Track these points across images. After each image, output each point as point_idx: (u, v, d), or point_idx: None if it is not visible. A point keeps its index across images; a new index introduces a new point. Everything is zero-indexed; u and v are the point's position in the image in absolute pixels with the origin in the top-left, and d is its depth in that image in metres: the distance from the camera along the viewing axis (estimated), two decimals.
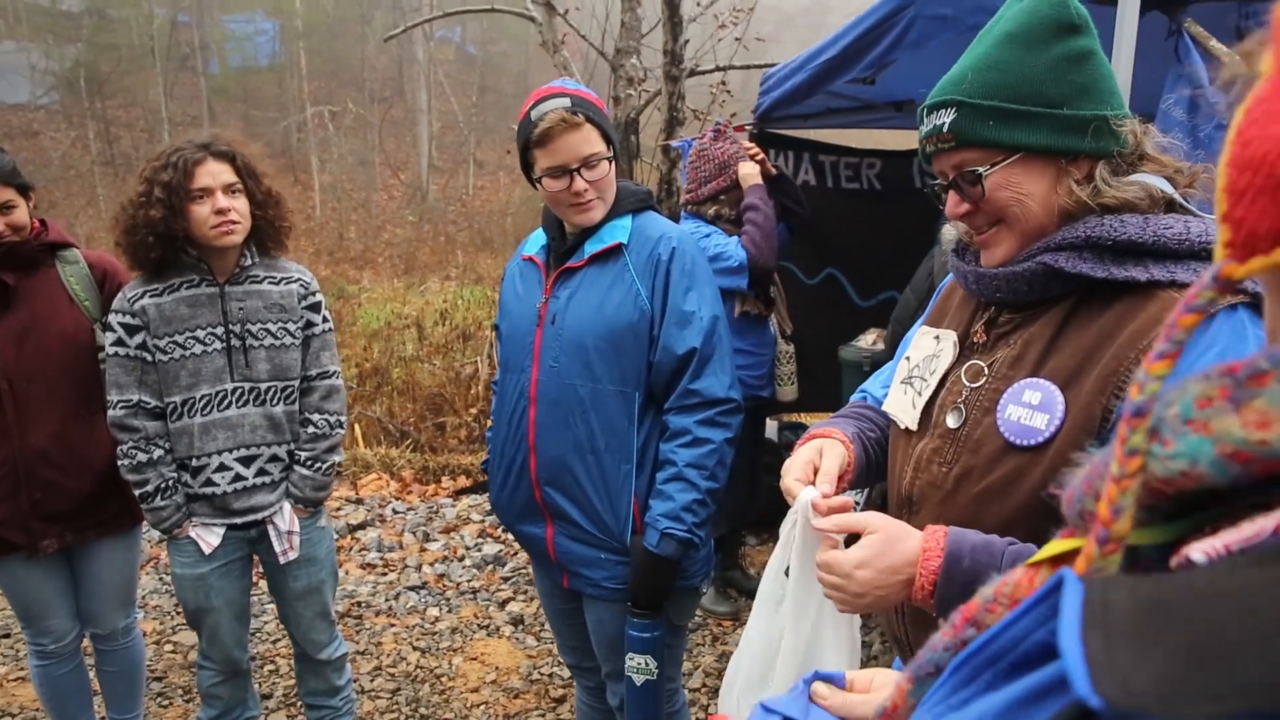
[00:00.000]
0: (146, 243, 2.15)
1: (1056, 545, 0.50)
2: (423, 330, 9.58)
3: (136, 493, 2.28)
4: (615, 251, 1.93)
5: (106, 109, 22.56)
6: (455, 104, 24.68)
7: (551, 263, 2.03)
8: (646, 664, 1.87)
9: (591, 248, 1.94)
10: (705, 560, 2.03)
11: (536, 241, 2.09)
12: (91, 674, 2.82)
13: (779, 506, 1.29)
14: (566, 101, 1.85)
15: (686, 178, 3.56)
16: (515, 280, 2.11)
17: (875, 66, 3.06)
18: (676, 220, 4.95)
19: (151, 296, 2.25)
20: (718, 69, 5.42)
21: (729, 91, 5.62)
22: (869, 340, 3.91)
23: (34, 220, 2.41)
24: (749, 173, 3.41)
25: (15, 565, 2.47)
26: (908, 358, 1.34)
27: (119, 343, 2.25)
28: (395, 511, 5.15)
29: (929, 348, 1.30)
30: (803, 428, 4.82)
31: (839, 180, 4.60)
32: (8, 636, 3.73)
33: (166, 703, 3.29)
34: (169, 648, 3.67)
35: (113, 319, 2.27)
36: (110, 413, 2.27)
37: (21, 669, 3.42)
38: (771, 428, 4.54)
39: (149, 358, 2.26)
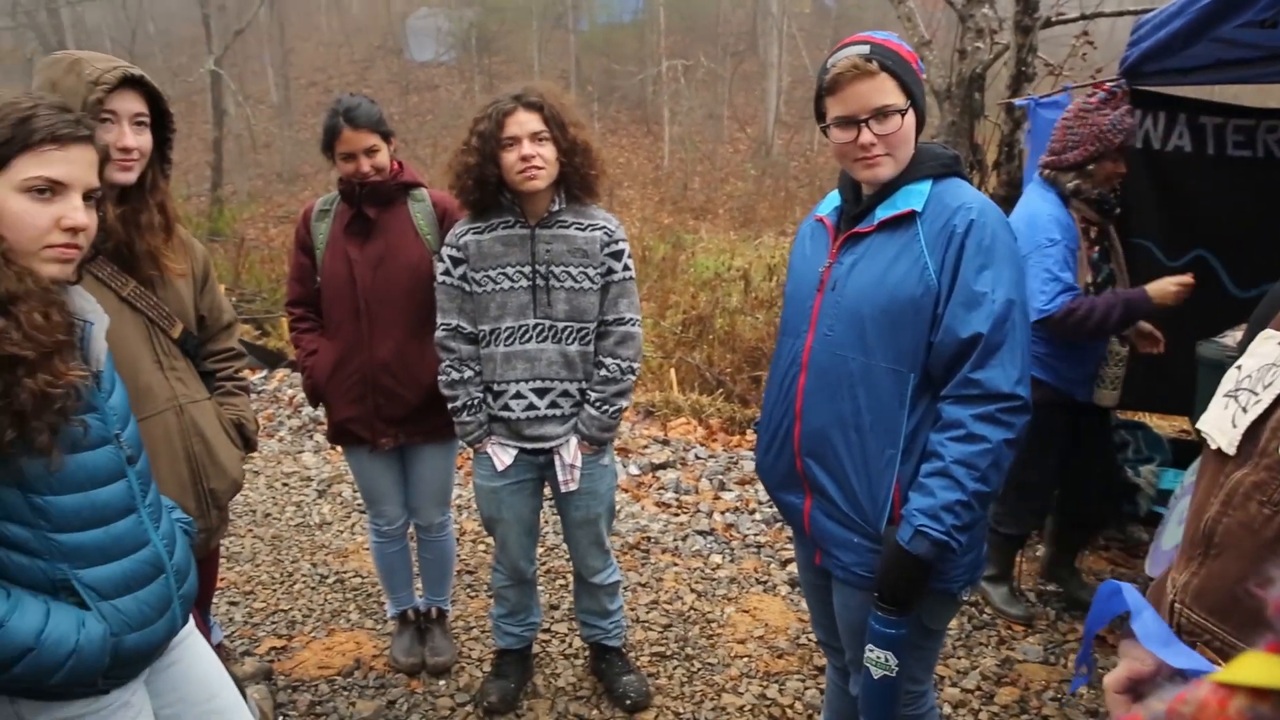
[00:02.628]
0: (467, 185, 2.39)
1: (1258, 666, 0.37)
2: (750, 283, 9.68)
3: (449, 406, 2.57)
4: (908, 219, 1.76)
5: (491, 64, 25.28)
6: (806, 58, 24.36)
7: (841, 226, 1.91)
8: (885, 659, 1.74)
9: (883, 213, 1.79)
10: (971, 566, 1.82)
11: (830, 202, 1.99)
12: (414, 557, 3.26)
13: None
14: (864, 48, 1.72)
15: (1053, 138, 3.16)
16: (805, 241, 2.03)
17: None
18: (1018, 188, 4.49)
19: (474, 234, 2.50)
20: (1082, 17, 4.75)
21: (1091, 43, 4.91)
22: (1238, 337, 3.26)
23: (393, 162, 2.76)
24: (1161, 291, 2.98)
25: (362, 455, 2.91)
26: (1239, 365, 1.10)
27: (446, 273, 2.53)
28: (697, 457, 5.32)
29: (1270, 354, 1.05)
30: (1141, 427, 4.21)
31: (1223, 146, 3.85)
32: (365, 514, 4.43)
33: (474, 594, 3.73)
34: (482, 547, 4.15)
35: (443, 251, 2.55)
36: (435, 334, 2.58)
37: None
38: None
39: (467, 288, 2.51)
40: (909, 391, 1.74)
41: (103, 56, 1.89)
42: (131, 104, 1.89)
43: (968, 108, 4.89)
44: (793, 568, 3.87)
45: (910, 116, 1.75)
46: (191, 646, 1.73)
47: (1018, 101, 4.28)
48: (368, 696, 3.04)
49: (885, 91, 1.71)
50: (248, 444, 2.35)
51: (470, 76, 25.27)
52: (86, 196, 1.40)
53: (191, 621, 1.75)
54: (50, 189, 1.34)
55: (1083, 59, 4.85)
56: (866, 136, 1.73)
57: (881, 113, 1.72)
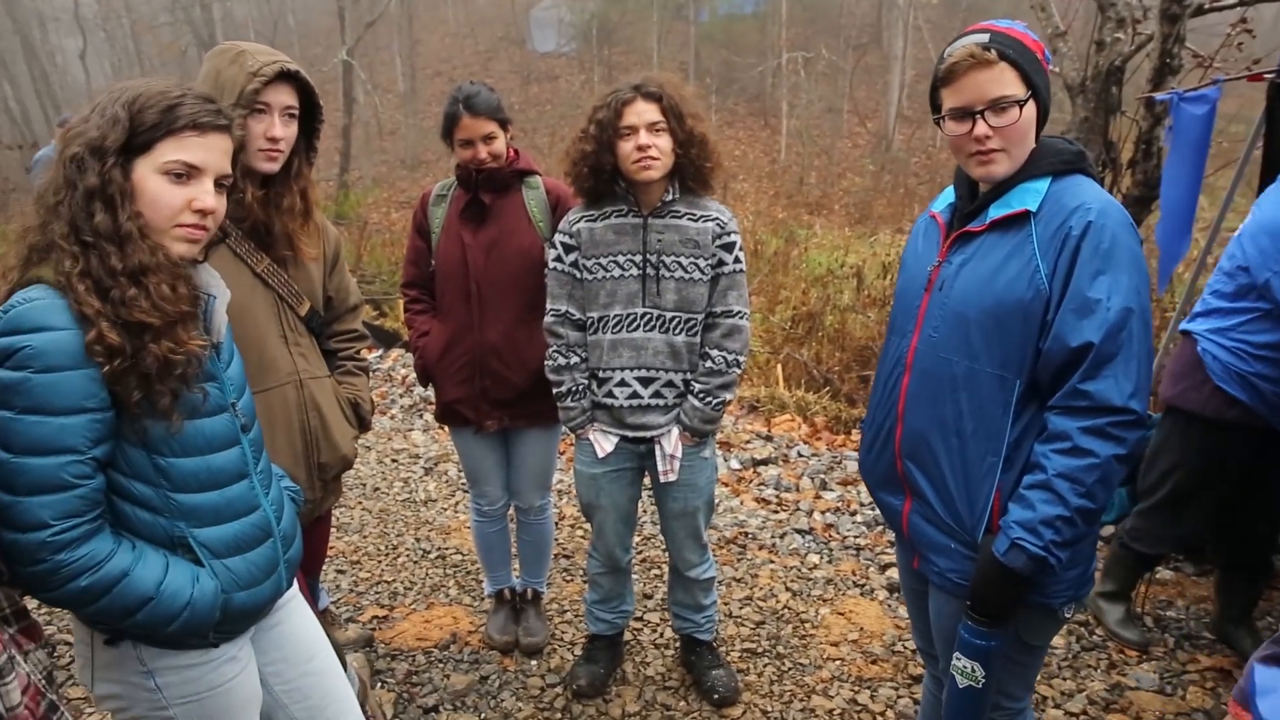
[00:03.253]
0: (582, 173, 2.41)
1: None
2: (862, 281, 9.47)
3: (554, 391, 2.61)
4: (1021, 219, 1.67)
5: (611, 55, 25.47)
6: (932, 50, 23.60)
7: (954, 223, 1.84)
8: (972, 670, 1.68)
9: (996, 211, 1.71)
10: (1076, 583, 1.71)
11: (946, 198, 1.92)
12: (513, 539, 3.33)
13: None
14: (984, 37, 1.65)
15: None
16: (918, 238, 1.97)
17: None
18: (1154, 188, 4.22)
19: (587, 221, 2.52)
20: (1241, 3, 4.41)
21: (1250, 31, 4.54)
22: None
23: (510, 149, 2.81)
24: None
25: (467, 436, 2.98)
26: None
27: (557, 259, 2.57)
28: (800, 454, 5.24)
29: None
30: None
31: None
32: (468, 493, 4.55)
33: (569, 578, 3.78)
34: (580, 534, 4.20)
35: (556, 238, 2.59)
36: (544, 319, 2.62)
37: None
38: None
39: (578, 275, 2.54)
40: (1014, 398, 1.66)
41: (265, 50, 1.99)
42: (284, 97, 1.98)
43: (1103, 102, 4.63)
44: (892, 573, 3.77)
45: (1030, 109, 1.66)
46: (295, 610, 1.81)
47: (1159, 96, 4.02)
48: (462, 670, 3.13)
49: (1003, 82, 1.63)
50: (362, 423, 2.44)
51: (590, 67, 25.57)
52: (218, 182, 1.48)
53: (296, 586, 1.84)
54: (186, 173, 1.43)
55: (1238, 49, 4.51)
56: (981, 129, 1.65)
57: (998, 104, 1.64)
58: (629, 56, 25.92)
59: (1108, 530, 3.91)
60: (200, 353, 1.44)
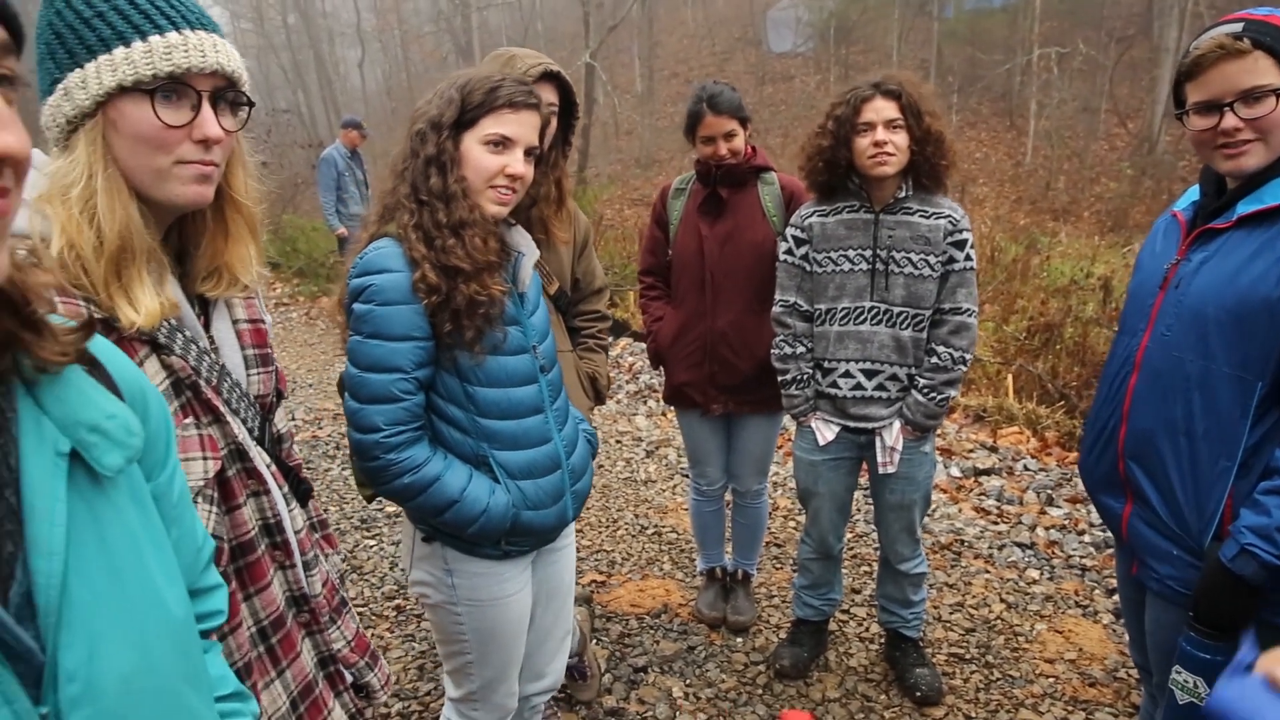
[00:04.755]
0: (817, 167, 2.51)
1: None
2: (1110, 293, 8.81)
3: (779, 379, 2.73)
4: (1273, 214, 1.58)
5: (848, 54, 24.99)
6: None
7: (1197, 220, 1.77)
8: (1194, 684, 1.60)
9: (1245, 207, 1.62)
10: None
11: (1189, 197, 1.84)
12: (728, 521, 3.48)
13: None
14: (1237, 26, 1.57)
15: None
16: (1157, 237, 1.90)
17: None
18: None
19: (819, 216, 2.61)
20: None
21: None
22: None
23: (748, 146, 2.95)
24: None
25: (693, 418, 3.16)
26: None
27: (788, 252, 2.68)
28: (1026, 468, 5.03)
29: None
30: None
31: None
32: (688, 477, 4.76)
33: (779, 566, 3.88)
34: (792, 525, 4.28)
35: (787, 231, 2.70)
36: (773, 309, 2.74)
37: None
38: None
39: (808, 268, 2.64)
40: (1254, 401, 1.58)
41: (533, 54, 2.26)
42: (547, 94, 2.24)
43: None
44: (1118, 597, 3.55)
45: None
46: (569, 551, 2.08)
47: None
48: (671, 638, 3.32)
49: (1258, 72, 1.55)
50: (598, 397, 2.68)
51: (826, 67, 25.25)
52: (527, 152, 1.74)
53: (573, 531, 2.08)
54: (502, 143, 1.70)
55: None
56: (1230, 121, 1.58)
57: (1251, 95, 1.56)
58: (867, 56, 25.33)
59: None
60: (500, 297, 1.69)
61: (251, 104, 1.16)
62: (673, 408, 3.39)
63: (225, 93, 1.12)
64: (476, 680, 1.92)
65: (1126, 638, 3.24)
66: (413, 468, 1.67)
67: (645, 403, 6.46)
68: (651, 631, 3.38)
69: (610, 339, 2.73)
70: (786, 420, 3.02)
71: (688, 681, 3.06)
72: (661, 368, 3.21)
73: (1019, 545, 4.06)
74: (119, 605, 0.71)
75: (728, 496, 3.39)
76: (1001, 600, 3.57)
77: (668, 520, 4.42)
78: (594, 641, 3.29)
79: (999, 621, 3.41)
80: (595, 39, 19.59)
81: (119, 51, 1.03)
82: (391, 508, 4.53)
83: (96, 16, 1.03)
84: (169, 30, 1.05)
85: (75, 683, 0.65)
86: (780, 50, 27.60)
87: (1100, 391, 1.94)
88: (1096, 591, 3.65)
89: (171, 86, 1.06)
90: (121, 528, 0.75)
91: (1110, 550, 3.99)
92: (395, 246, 1.66)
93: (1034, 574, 3.79)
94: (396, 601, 3.64)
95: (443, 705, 2.17)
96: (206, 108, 1.09)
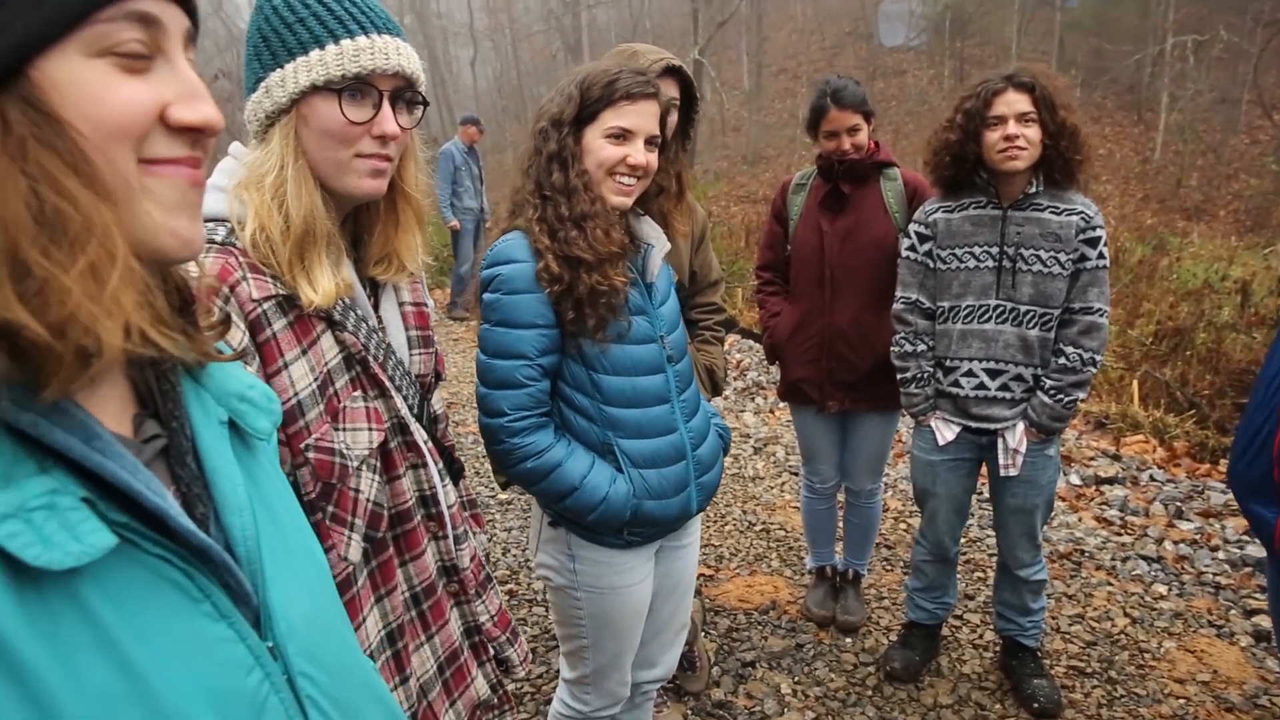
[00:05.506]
0: (944, 162, 2.47)
1: None
2: (1248, 296, 8.31)
3: (898, 377, 2.69)
4: None
5: (964, 48, 24.20)
6: None
7: None
8: None
9: None
10: None
11: None
12: (840, 519, 3.45)
13: None
14: None
15: None
16: None
17: None
18: None
19: (944, 212, 2.57)
20: None
21: None
22: None
23: (871, 141, 2.92)
24: None
25: (807, 415, 3.15)
26: None
27: (911, 248, 2.64)
28: (1152, 479, 4.81)
29: None
30: None
31: None
32: (797, 475, 4.74)
33: (889, 567, 3.82)
34: (904, 527, 4.21)
35: (911, 227, 2.66)
36: (894, 306, 2.71)
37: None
38: None
39: (931, 264, 2.60)
40: None
41: (655, 50, 2.29)
42: (668, 89, 2.27)
43: None
44: (1260, 619, 3.37)
45: None
46: (693, 547, 2.10)
47: None
48: (779, 635, 3.32)
49: None
50: (715, 388, 2.69)
51: (940, 61, 24.55)
52: (649, 141, 1.76)
53: (698, 527, 2.10)
54: (622, 135, 1.73)
55: None
56: None
57: None
58: (983, 49, 24.48)
59: None
60: (622, 287, 1.73)
61: (426, 103, 1.24)
62: (785, 404, 3.38)
63: (404, 92, 1.20)
64: (590, 665, 1.97)
65: (1270, 664, 3.09)
66: (535, 453, 1.72)
67: (753, 399, 6.45)
68: (759, 627, 3.38)
69: (724, 332, 2.74)
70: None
71: (796, 679, 3.06)
72: (777, 363, 3.20)
73: (1144, 558, 3.89)
74: (287, 552, 0.79)
75: (840, 496, 3.37)
76: (1125, 614, 3.42)
77: (775, 517, 4.40)
78: (703, 634, 3.31)
79: (1123, 636, 3.27)
80: (704, 35, 19.58)
81: (314, 54, 1.12)
82: (503, 495, 4.66)
83: (298, 22, 1.13)
84: (358, 35, 1.13)
85: (283, 620, 0.73)
86: (892, 44, 26.95)
87: (1255, 395, 1.85)
88: (1233, 612, 3.46)
89: (357, 86, 1.14)
90: (273, 485, 0.83)
91: (1249, 570, 3.78)
92: (522, 239, 1.72)
93: (1161, 589, 3.62)
94: (510, 586, 3.75)
95: (554, 687, 2.23)
96: (386, 106, 1.17)
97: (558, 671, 3.03)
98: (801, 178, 3.09)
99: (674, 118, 2.32)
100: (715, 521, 4.37)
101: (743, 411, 6.21)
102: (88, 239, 0.56)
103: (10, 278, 0.53)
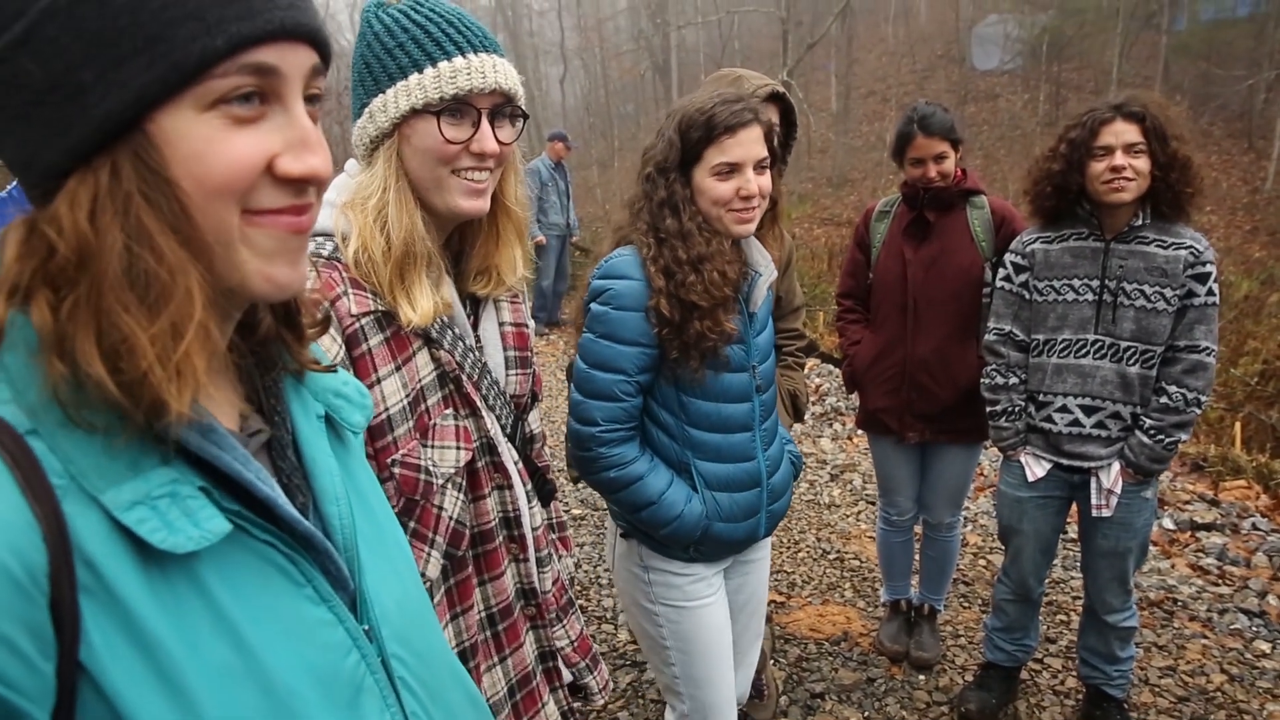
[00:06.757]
0: (1045, 192, 2.40)
1: None
2: None
3: (988, 410, 2.62)
4: None
5: (1060, 72, 23.49)
6: None
7: None
8: None
9: None
10: None
11: None
12: (917, 552, 3.36)
13: None
14: None
15: None
16: None
17: None
18: None
19: (1043, 242, 2.50)
20: None
21: None
22: None
23: (958, 169, 2.86)
24: None
25: (887, 445, 3.09)
26: None
27: (1006, 278, 2.57)
28: (1255, 527, 4.55)
29: None
30: None
31: None
32: (874, 504, 4.64)
33: (966, 604, 3.71)
34: (983, 563, 4.08)
35: (1007, 257, 2.59)
36: (985, 337, 2.64)
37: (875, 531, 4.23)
38: None
39: (1027, 295, 2.52)
40: None
41: (758, 75, 2.30)
42: (769, 114, 2.26)
43: None
44: None
45: None
46: (763, 564, 2.10)
47: None
48: (850, 667, 3.24)
49: None
50: (798, 414, 2.66)
51: (1035, 85, 23.88)
52: (759, 167, 1.75)
53: (768, 545, 2.10)
54: (731, 169, 1.73)
55: None
56: None
57: None
58: (1081, 73, 23.73)
59: None
60: (733, 334, 1.74)
61: (526, 116, 1.26)
62: (864, 433, 3.32)
63: (503, 108, 1.22)
64: (687, 702, 1.96)
65: None
66: (620, 464, 1.75)
67: (831, 425, 6.35)
68: (830, 658, 3.32)
69: (805, 357, 2.72)
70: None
71: (866, 714, 2.98)
72: (856, 392, 3.15)
73: (1245, 612, 3.68)
74: (380, 541, 0.82)
75: (917, 528, 3.28)
76: (1222, 670, 3.24)
77: (850, 546, 4.32)
78: (772, 662, 3.26)
79: (1219, 694, 3.10)
80: (793, 57, 19.48)
81: (413, 78, 1.15)
82: (576, 510, 4.69)
83: (398, 47, 1.16)
84: (455, 55, 1.15)
85: (377, 605, 0.76)
86: (985, 68, 26.35)
87: None
88: None
89: (455, 106, 1.17)
90: (365, 477, 0.87)
91: None
92: (635, 255, 1.75)
93: (1264, 646, 3.42)
94: (579, 602, 3.76)
95: (623, 706, 2.23)
96: (485, 124, 1.19)
97: (625, 690, 3.02)
98: (885, 205, 3.04)
99: (774, 142, 2.32)
100: (788, 548, 4.31)
101: (820, 437, 6.12)
102: (169, 299, 0.58)
103: (95, 333, 0.56)
